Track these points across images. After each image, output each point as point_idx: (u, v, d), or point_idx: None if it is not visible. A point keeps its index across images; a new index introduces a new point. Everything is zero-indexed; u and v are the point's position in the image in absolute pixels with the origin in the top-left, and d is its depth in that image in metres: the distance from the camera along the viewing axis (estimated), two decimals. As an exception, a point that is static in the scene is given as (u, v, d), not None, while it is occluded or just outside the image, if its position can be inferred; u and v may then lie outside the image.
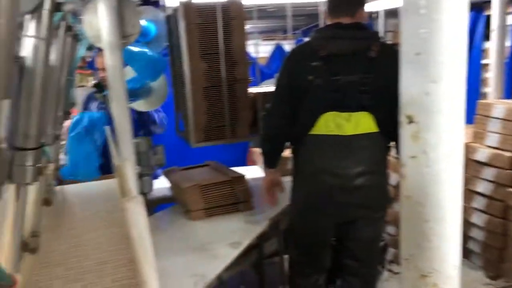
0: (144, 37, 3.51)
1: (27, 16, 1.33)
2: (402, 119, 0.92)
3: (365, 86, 2.22)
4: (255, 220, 2.80)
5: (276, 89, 2.52)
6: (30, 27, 1.24)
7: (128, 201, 1.58)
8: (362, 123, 2.24)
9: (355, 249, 2.48)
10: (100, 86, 3.61)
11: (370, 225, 2.40)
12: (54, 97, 1.71)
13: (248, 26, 5.12)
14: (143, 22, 3.40)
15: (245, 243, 2.53)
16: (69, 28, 1.74)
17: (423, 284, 0.94)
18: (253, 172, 3.91)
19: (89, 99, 4.08)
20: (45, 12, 1.20)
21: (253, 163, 4.35)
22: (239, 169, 3.72)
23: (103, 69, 3.50)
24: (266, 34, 5.20)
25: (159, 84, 3.56)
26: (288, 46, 6.20)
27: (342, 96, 2.25)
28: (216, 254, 2.41)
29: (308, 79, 2.28)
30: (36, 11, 1.17)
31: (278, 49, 7.85)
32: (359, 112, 2.24)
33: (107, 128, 3.25)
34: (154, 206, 3.47)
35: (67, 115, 2.64)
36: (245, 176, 2.99)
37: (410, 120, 0.90)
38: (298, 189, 2.53)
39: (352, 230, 2.43)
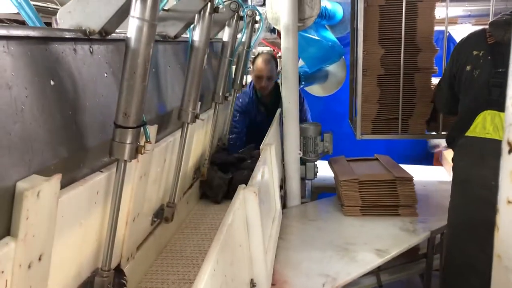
0: (329, 20, 3.41)
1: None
2: (503, 145, 0.64)
3: None
4: (413, 229, 2.48)
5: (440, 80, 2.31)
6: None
7: (244, 189, 1.54)
8: None
9: None
10: None
11: None
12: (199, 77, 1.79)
13: (458, 9, 4.51)
14: (328, 5, 3.30)
15: (393, 252, 2.26)
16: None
17: None
18: (434, 174, 3.49)
19: None
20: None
21: (440, 163, 3.88)
22: (417, 169, 3.38)
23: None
24: (480, 18, 4.45)
25: (336, 69, 3.43)
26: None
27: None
28: (356, 258, 2.22)
29: (466, 70, 2.01)
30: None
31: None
32: None
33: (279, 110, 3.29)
34: (317, 193, 3.41)
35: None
36: (412, 178, 2.66)
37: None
38: (451, 199, 2.21)
39: None
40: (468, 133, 2.02)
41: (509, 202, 0.61)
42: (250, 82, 3.65)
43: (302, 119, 3.75)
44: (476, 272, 2.05)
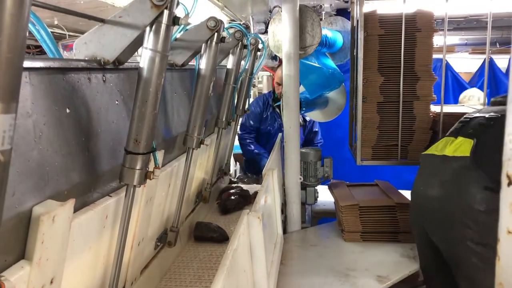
0: (329, 48, 3.48)
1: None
2: (502, 178, 0.68)
3: None
4: (413, 255, 2.49)
5: None
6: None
7: (248, 214, 1.56)
8: None
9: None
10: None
11: None
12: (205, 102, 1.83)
13: (455, 37, 4.60)
14: (328, 33, 3.38)
15: (394, 279, 2.28)
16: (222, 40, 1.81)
17: None
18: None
19: None
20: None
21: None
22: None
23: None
24: (476, 46, 4.54)
25: (336, 96, 3.49)
26: (502, 60, 5.21)
27: None
28: (357, 284, 2.23)
29: None
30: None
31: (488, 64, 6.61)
32: None
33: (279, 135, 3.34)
34: (317, 218, 3.43)
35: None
36: (412, 204, 2.69)
37: (511, 181, 0.65)
38: None
39: None
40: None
41: (509, 232, 0.65)
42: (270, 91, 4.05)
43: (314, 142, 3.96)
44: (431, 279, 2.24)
